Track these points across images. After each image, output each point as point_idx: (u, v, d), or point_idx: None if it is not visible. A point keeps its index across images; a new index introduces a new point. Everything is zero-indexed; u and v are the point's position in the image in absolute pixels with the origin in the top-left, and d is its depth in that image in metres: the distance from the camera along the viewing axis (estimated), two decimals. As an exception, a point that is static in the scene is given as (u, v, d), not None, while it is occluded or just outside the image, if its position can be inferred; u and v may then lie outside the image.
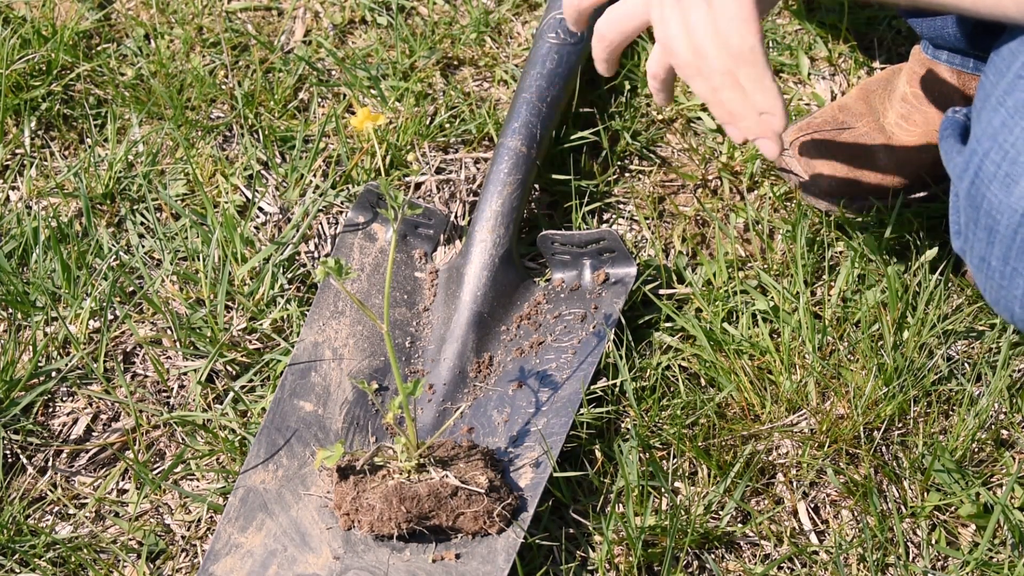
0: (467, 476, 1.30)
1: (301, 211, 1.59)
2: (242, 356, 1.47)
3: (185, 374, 1.48)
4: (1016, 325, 1.14)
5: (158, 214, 1.61)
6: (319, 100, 1.73)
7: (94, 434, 1.44)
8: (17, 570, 1.33)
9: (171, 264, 1.55)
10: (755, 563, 1.34)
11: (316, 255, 1.58)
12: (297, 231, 1.58)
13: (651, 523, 1.33)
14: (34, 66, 1.74)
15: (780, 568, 1.34)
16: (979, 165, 1.08)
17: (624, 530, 1.32)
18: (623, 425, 1.41)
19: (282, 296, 1.52)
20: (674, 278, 1.54)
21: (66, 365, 1.47)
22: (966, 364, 1.46)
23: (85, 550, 1.34)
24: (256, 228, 1.60)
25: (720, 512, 1.36)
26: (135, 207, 1.62)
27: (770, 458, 1.40)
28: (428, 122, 1.69)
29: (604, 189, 1.63)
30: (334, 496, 1.31)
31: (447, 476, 1.29)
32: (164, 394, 1.47)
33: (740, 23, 1.14)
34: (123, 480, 1.41)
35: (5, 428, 1.42)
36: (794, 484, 1.39)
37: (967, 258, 1.14)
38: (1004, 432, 1.42)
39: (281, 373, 1.43)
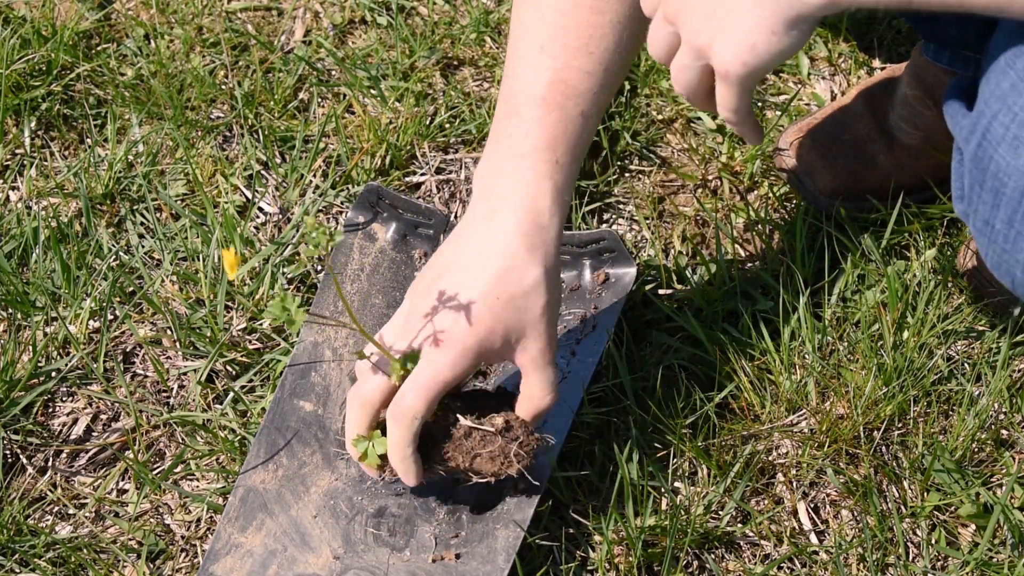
0: (482, 417, 1.27)
1: (301, 211, 1.59)
2: (242, 356, 1.47)
3: (185, 374, 1.48)
4: (1016, 291, 1.14)
5: (158, 214, 1.61)
6: (319, 100, 1.73)
7: (94, 434, 1.44)
8: (17, 570, 1.33)
9: (171, 264, 1.55)
10: (755, 563, 1.34)
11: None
12: (297, 231, 1.58)
13: (651, 523, 1.33)
14: (34, 66, 1.74)
15: (780, 568, 1.34)
16: (987, 127, 1.08)
17: (624, 530, 1.32)
18: (623, 425, 1.41)
19: (282, 296, 1.52)
20: (674, 278, 1.54)
21: (66, 365, 1.47)
22: (966, 364, 1.46)
23: (85, 550, 1.34)
24: (256, 228, 1.60)
25: (720, 512, 1.36)
26: (135, 207, 1.62)
27: (770, 458, 1.40)
28: (428, 122, 1.69)
29: (604, 189, 1.63)
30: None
31: (459, 418, 1.27)
32: (164, 394, 1.47)
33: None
34: (123, 480, 1.41)
35: (5, 428, 1.42)
36: (794, 484, 1.39)
37: (970, 222, 1.14)
38: (1004, 432, 1.42)
39: (281, 373, 1.43)
